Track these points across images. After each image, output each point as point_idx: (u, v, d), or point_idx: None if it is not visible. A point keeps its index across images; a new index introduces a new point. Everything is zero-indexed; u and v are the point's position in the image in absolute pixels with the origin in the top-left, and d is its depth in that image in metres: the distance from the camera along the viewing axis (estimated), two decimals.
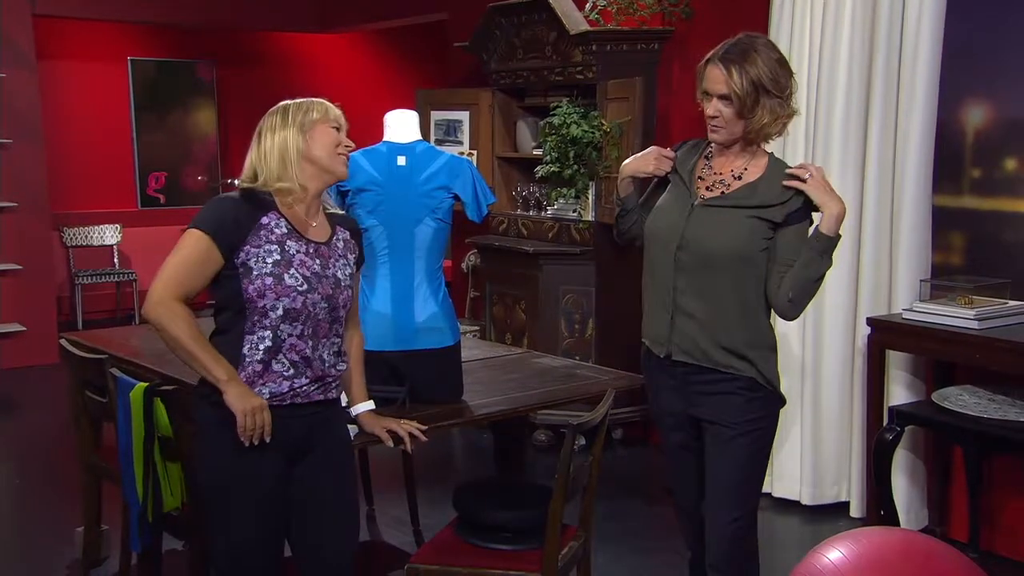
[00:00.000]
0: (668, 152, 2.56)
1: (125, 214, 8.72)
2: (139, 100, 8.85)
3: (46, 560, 3.79)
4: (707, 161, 2.53)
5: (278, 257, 2.26)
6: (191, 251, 2.23)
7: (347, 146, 2.38)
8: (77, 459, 3.59)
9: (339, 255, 2.39)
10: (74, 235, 8.36)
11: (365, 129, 4.93)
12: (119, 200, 8.82)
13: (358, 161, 2.97)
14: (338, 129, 2.37)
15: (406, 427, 2.61)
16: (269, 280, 2.24)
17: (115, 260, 8.54)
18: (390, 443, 2.60)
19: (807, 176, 2.39)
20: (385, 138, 3.03)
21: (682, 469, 2.65)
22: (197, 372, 2.26)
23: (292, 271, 2.27)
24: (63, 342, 3.57)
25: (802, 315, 4.13)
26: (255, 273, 2.24)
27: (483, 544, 2.73)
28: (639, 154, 2.61)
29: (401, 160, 2.97)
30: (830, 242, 2.39)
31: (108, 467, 3.37)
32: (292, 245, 2.29)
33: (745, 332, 2.45)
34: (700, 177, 2.51)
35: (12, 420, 6.01)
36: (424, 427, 2.64)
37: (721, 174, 2.48)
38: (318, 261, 2.33)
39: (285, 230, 2.30)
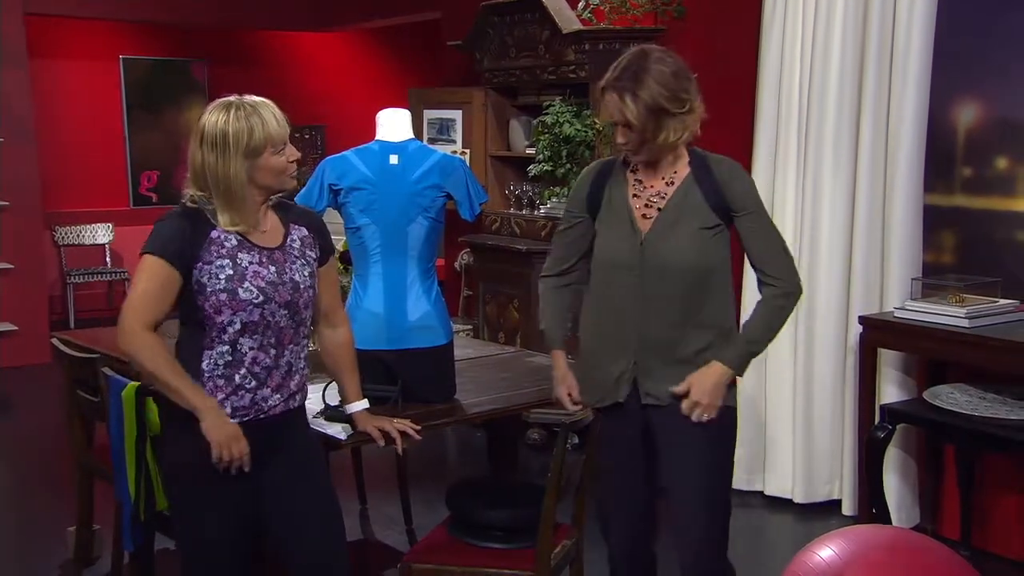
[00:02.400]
0: (574, 405, 2.55)
1: (117, 213, 8.71)
2: (131, 99, 8.84)
3: (38, 559, 3.78)
4: (635, 175, 2.49)
5: (231, 272, 2.22)
6: (152, 277, 2.20)
7: (293, 162, 2.29)
8: (69, 458, 3.58)
9: (295, 257, 2.33)
10: (66, 234, 8.34)
11: (358, 128, 4.93)
12: (111, 199, 8.80)
13: (351, 160, 2.98)
14: (283, 149, 2.26)
15: (399, 426, 2.60)
16: (223, 296, 2.21)
17: (107, 259, 8.52)
18: (381, 442, 2.59)
19: (701, 415, 2.39)
20: (377, 137, 3.02)
21: (627, 480, 2.57)
22: (174, 400, 2.22)
23: (246, 284, 2.22)
24: (55, 341, 3.56)
25: (795, 313, 4.17)
26: (209, 290, 2.21)
27: (476, 543, 2.74)
28: (557, 381, 2.59)
29: (393, 159, 2.97)
30: (746, 363, 2.46)
31: (100, 466, 3.36)
32: (244, 257, 2.25)
33: (713, 349, 2.44)
34: (635, 195, 2.47)
35: (4, 420, 5.99)
36: (418, 427, 2.64)
37: (653, 186, 2.46)
38: (272, 268, 2.27)
39: (235, 242, 2.25)
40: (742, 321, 4.12)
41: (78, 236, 8.41)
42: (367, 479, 4.21)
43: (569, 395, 2.56)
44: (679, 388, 2.40)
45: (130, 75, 8.82)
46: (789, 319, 4.33)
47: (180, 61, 9.00)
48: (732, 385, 2.49)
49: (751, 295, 4.20)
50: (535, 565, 2.62)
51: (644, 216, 2.45)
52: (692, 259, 2.39)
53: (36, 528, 4.13)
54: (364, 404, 2.61)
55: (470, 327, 5.54)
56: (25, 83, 6.98)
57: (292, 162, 2.29)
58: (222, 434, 2.20)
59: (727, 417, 2.49)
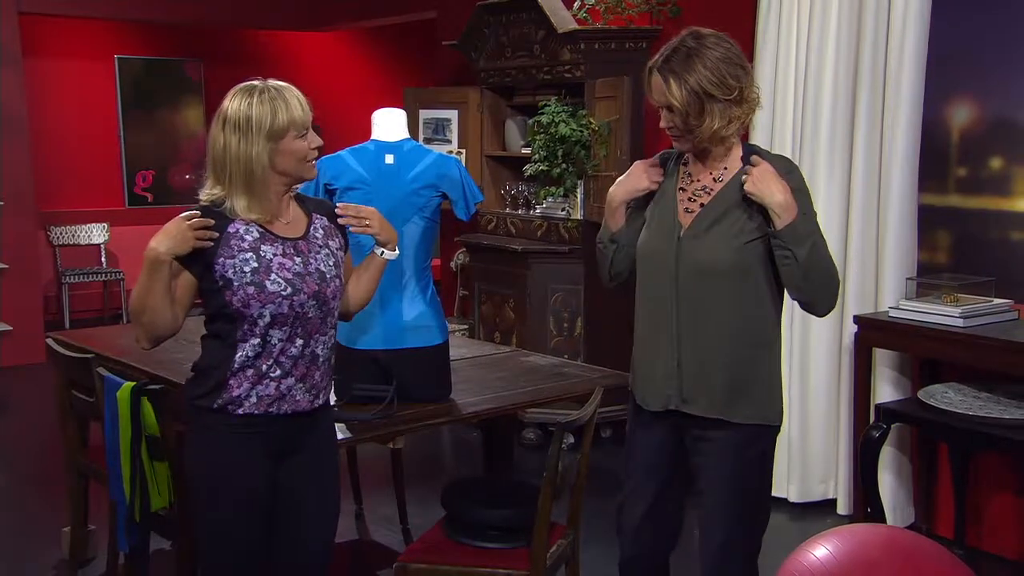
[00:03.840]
0: (653, 160, 2.44)
1: (112, 213, 8.69)
2: (126, 98, 8.82)
3: (33, 560, 3.77)
4: (685, 167, 2.42)
5: (256, 264, 2.20)
6: None
7: (315, 149, 2.27)
8: (64, 459, 3.57)
9: (319, 246, 2.32)
10: (61, 234, 8.33)
11: (353, 128, 4.93)
12: (106, 199, 8.79)
13: (346, 160, 2.97)
14: (306, 134, 2.24)
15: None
16: (251, 289, 2.19)
17: (102, 259, 8.51)
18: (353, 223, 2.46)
19: (747, 178, 2.24)
20: (373, 136, 3.02)
21: (653, 495, 2.48)
22: (150, 286, 2.17)
23: (273, 276, 2.21)
24: (50, 341, 3.55)
25: (790, 313, 4.19)
26: (236, 284, 2.19)
27: (471, 542, 2.74)
28: (624, 176, 2.44)
29: (389, 159, 2.96)
30: (791, 233, 2.23)
31: (95, 466, 3.36)
32: (267, 249, 2.23)
33: (756, 363, 2.34)
34: (682, 188, 2.40)
35: None
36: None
37: (700, 180, 2.38)
38: (298, 259, 2.26)
39: (257, 234, 2.24)
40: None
41: (73, 236, 8.40)
42: (363, 479, 4.21)
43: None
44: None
45: (125, 74, 8.80)
46: (786, 319, 4.34)
47: (175, 60, 8.99)
48: (779, 407, 2.40)
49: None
50: (530, 565, 2.62)
51: (687, 210, 2.36)
52: (729, 259, 2.29)
53: (31, 528, 4.12)
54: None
55: (466, 327, 5.54)
56: (20, 82, 6.97)
57: (314, 149, 2.27)
58: (167, 233, 2.14)
59: (767, 437, 2.38)
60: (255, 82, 2.25)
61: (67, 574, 3.56)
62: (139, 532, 2.97)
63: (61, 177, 8.36)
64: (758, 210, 2.28)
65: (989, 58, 3.76)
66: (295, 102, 2.24)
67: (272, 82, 2.26)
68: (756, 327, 2.34)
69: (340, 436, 2.62)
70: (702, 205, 2.35)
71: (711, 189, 2.36)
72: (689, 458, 2.43)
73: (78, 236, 8.41)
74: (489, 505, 2.78)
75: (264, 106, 2.20)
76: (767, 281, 2.33)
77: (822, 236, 2.31)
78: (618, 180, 2.48)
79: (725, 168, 2.36)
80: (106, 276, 8.42)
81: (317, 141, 2.28)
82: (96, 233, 8.48)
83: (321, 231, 2.35)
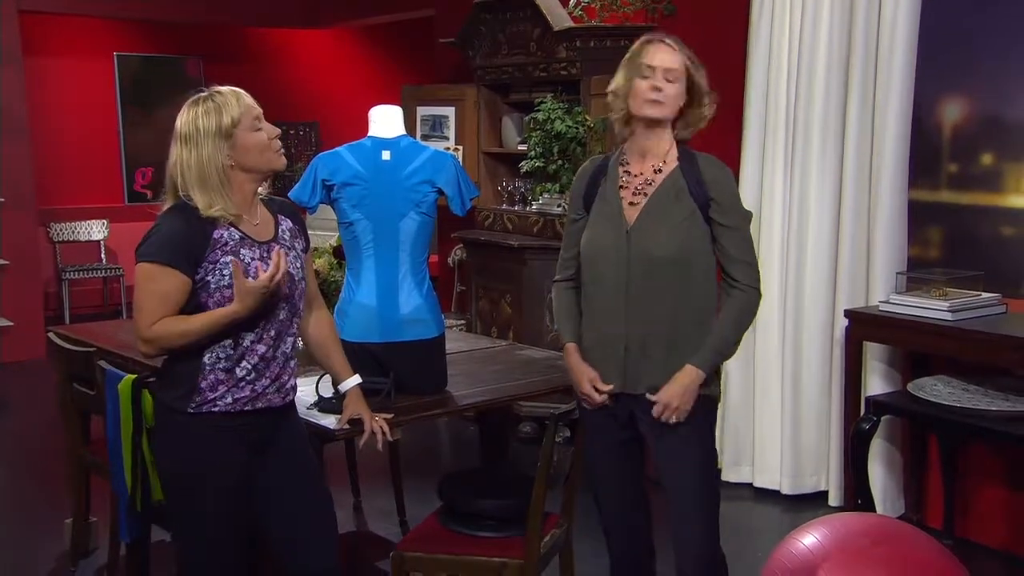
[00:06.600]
0: (600, 395, 2.51)
1: (112, 209, 8.72)
2: (126, 96, 8.85)
3: (35, 552, 3.81)
4: (624, 167, 2.55)
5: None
6: (161, 286, 2.20)
7: (275, 137, 2.30)
8: (65, 452, 3.61)
9: (287, 248, 2.36)
10: (61, 230, 8.36)
11: (351, 124, 4.97)
12: (106, 195, 8.81)
13: (343, 156, 3.01)
14: (260, 126, 2.27)
15: (375, 425, 2.59)
16: (228, 292, 2.23)
17: (102, 255, 8.54)
18: (344, 425, 2.60)
19: (670, 416, 2.42)
20: (370, 133, 3.06)
21: (617, 472, 2.63)
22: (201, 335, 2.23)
23: (249, 280, 2.23)
24: (51, 335, 3.59)
25: (782, 307, 4.23)
26: (213, 287, 2.23)
27: (467, 532, 2.77)
28: (578, 373, 2.55)
29: (386, 155, 3.00)
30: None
31: (96, 459, 3.40)
32: (246, 253, 2.27)
33: (699, 338, 2.47)
34: (623, 186, 2.52)
35: (0, 414, 6.01)
36: (389, 434, 2.61)
37: (642, 173, 2.51)
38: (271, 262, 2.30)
39: (237, 238, 2.27)
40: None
41: (73, 232, 8.43)
42: (360, 471, 4.25)
43: (595, 387, 2.52)
44: (653, 397, 2.44)
45: (124, 72, 8.83)
46: (778, 314, 4.39)
47: (174, 58, 9.02)
48: (716, 375, 2.55)
49: None
50: (524, 553, 2.67)
51: (631, 204, 2.49)
52: (676, 250, 2.44)
53: (33, 520, 4.16)
54: (356, 379, 2.62)
55: (463, 322, 5.58)
56: (20, 80, 7.00)
57: (273, 138, 2.30)
58: (255, 303, 2.20)
59: (709, 406, 2.54)
60: (200, 93, 2.29)
61: (69, 565, 3.60)
62: (140, 523, 3.01)
63: (61, 174, 8.39)
64: (697, 204, 2.45)
65: (980, 54, 3.79)
66: (238, 99, 2.27)
67: (215, 88, 2.30)
68: (699, 307, 2.49)
69: (337, 428, 2.66)
70: (645, 195, 2.48)
71: (652, 180, 2.50)
72: (643, 440, 2.56)
73: (78, 232, 8.45)
74: (484, 495, 2.83)
75: (210, 111, 2.24)
76: (709, 265, 2.50)
77: (751, 280, 2.49)
78: (575, 369, 2.56)
79: (664, 162, 2.50)
80: (106, 272, 8.45)
81: (274, 130, 2.31)
82: (96, 229, 8.52)
83: (288, 233, 2.40)
